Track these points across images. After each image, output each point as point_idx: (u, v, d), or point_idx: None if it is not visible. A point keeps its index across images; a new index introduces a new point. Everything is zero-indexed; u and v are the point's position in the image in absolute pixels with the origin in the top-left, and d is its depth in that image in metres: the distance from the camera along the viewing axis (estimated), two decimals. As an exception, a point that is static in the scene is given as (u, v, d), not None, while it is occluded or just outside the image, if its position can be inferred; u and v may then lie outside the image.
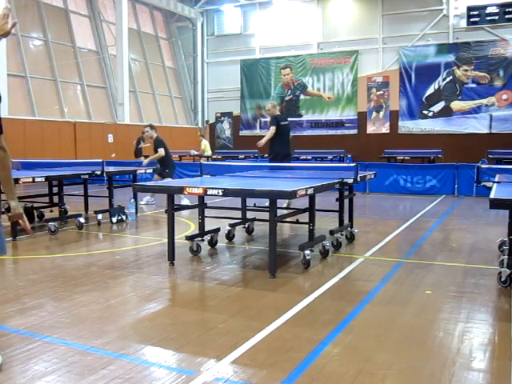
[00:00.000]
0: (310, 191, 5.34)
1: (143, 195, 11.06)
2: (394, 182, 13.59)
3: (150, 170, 10.55)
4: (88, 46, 21.65)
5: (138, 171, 9.77)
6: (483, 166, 6.86)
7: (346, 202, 7.02)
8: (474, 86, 20.63)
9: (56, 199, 8.58)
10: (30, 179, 7.35)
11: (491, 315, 4.19)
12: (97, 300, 4.53)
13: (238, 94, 24.96)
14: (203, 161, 17.09)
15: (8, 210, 3.08)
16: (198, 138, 21.53)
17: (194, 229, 7.84)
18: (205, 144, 20.21)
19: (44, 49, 19.67)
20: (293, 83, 23.94)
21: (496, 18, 19.86)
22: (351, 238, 7.00)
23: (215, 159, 18.85)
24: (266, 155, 12.59)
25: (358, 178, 6.51)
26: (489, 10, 19.92)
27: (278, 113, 10.16)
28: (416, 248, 6.75)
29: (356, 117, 22.73)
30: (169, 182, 8.09)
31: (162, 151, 10.48)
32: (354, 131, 22.79)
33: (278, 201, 5.72)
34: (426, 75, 21.25)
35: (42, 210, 8.99)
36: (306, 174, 7.81)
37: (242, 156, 19.27)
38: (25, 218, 3.12)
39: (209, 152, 20.10)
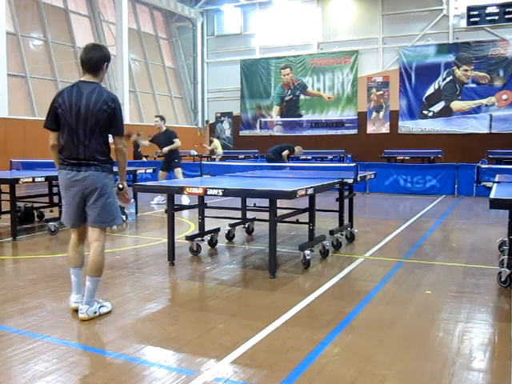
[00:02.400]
0: (310, 191, 5.34)
1: (153, 195, 11.07)
2: (393, 182, 13.59)
3: (150, 170, 10.56)
4: (88, 46, 21.63)
5: (138, 171, 9.77)
6: (483, 166, 6.87)
7: (346, 201, 7.03)
8: (474, 85, 20.62)
9: (56, 199, 8.57)
10: (30, 179, 7.35)
11: (491, 315, 4.19)
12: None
13: (238, 94, 24.96)
14: (204, 161, 17.09)
15: (120, 189, 4.25)
16: (209, 138, 21.70)
17: (193, 229, 7.84)
18: (215, 145, 20.17)
19: (44, 49, 19.67)
20: (293, 83, 23.94)
21: (496, 18, 19.85)
22: (351, 238, 7.00)
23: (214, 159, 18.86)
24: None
25: (358, 178, 6.51)
26: (489, 9, 19.91)
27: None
28: (416, 248, 6.75)
29: (356, 117, 22.73)
30: (171, 181, 8.09)
31: (179, 141, 10.79)
32: (354, 131, 22.79)
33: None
34: (426, 75, 21.25)
35: (42, 209, 8.98)
36: (306, 174, 7.81)
37: (242, 156, 19.27)
38: (128, 193, 4.36)
39: (221, 151, 20.11)
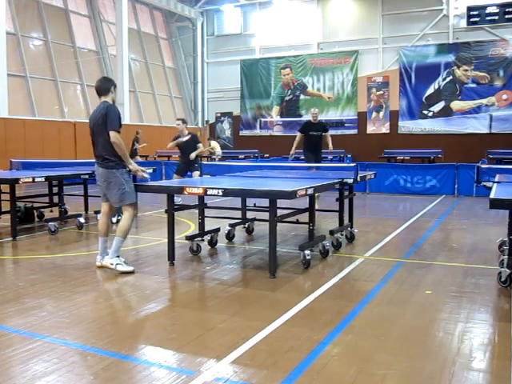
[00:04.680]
0: (310, 191, 5.34)
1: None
2: (394, 182, 13.59)
3: (149, 170, 10.50)
4: (88, 46, 21.66)
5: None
6: (483, 166, 6.86)
7: (346, 201, 7.03)
8: (474, 85, 20.62)
9: (56, 199, 8.57)
10: (30, 179, 7.35)
11: (491, 315, 4.19)
12: (97, 300, 4.53)
13: (238, 94, 24.96)
14: (204, 161, 17.06)
15: (129, 171, 5.53)
16: (207, 142, 21.60)
17: (193, 229, 7.84)
18: (213, 147, 20.10)
19: (44, 49, 19.67)
20: (293, 83, 23.94)
21: (496, 18, 19.85)
22: (351, 238, 7.00)
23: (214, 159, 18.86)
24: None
25: (358, 178, 6.51)
26: (489, 9, 19.91)
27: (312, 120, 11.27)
28: (416, 248, 6.75)
29: (356, 117, 22.72)
30: (171, 181, 8.09)
31: (202, 145, 10.78)
32: (354, 131, 22.79)
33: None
34: (426, 75, 21.24)
35: (42, 210, 8.98)
36: (306, 174, 7.81)
37: (242, 156, 19.27)
38: (140, 171, 5.59)
39: (220, 151, 20.09)
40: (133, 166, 5.52)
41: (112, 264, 5.25)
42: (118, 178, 5.34)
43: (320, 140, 11.13)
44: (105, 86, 5.50)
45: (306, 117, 23.68)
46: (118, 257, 5.32)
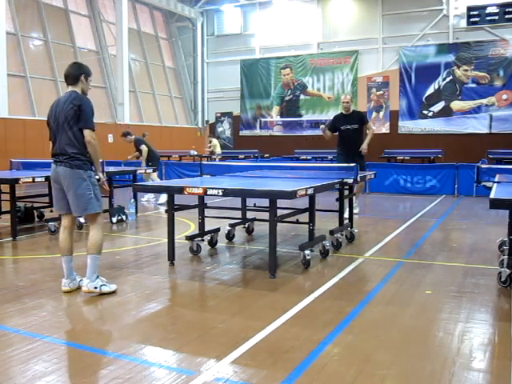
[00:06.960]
0: (310, 191, 5.34)
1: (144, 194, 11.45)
2: (394, 181, 13.59)
3: (149, 171, 10.55)
4: (88, 46, 21.64)
5: (138, 171, 9.77)
6: (483, 166, 6.86)
7: (346, 201, 7.02)
8: (473, 85, 20.62)
9: (56, 199, 8.57)
10: (30, 179, 7.35)
11: (491, 315, 4.19)
12: (96, 300, 4.53)
13: (238, 94, 24.95)
14: (204, 161, 17.09)
15: (98, 180, 4.76)
16: (207, 138, 21.78)
17: (193, 229, 7.84)
18: (214, 145, 20.14)
19: (44, 49, 19.66)
20: (293, 83, 23.93)
21: (496, 18, 19.84)
22: (351, 238, 6.99)
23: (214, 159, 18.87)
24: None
25: (358, 178, 6.51)
26: (489, 9, 19.90)
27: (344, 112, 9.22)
28: (416, 248, 6.75)
29: (356, 117, 22.68)
30: (171, 181, 8.08)
31: (144, 147, 11.61)
32: (354, 131, 22.75)
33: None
34: (426, 75, 21.23)
35: (42, 210, 8.98)
36: (306, 174, 7.81)
37: (242, 156, 19.28)
38: (106, 184, 4.94)
39: (219, 151, 20.11)
40: (102, 175, 4.89)
41: (96, 288, 4.57)
42: (84, 181, 4.59)
43: (356, 135, 9.03)
44: (74, 74, 4.75)
45: (307, 117, 23.75)
46: (98, 277, 4.64)
